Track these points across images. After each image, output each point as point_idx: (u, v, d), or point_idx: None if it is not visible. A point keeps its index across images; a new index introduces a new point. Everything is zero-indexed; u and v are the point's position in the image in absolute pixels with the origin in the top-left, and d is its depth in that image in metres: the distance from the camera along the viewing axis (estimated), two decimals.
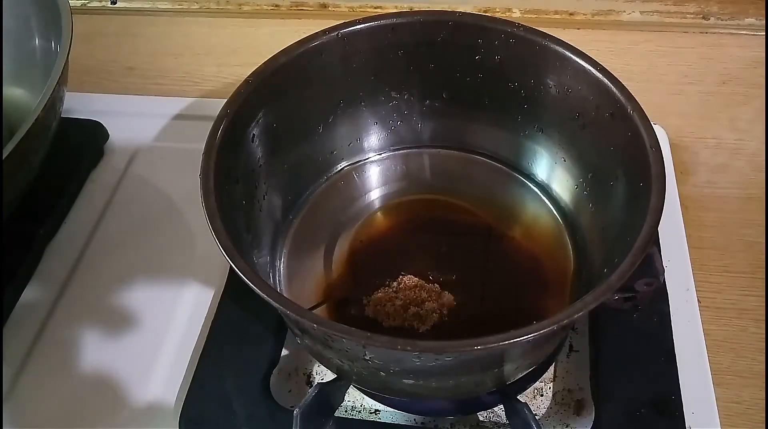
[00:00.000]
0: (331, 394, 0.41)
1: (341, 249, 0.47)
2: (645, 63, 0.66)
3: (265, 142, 0.44)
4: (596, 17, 0.70)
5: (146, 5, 0.76)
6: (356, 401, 0.45)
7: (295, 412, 0.38)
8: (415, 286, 0.44)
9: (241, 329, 0.46)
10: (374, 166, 0.51)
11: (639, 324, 0.45)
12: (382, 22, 0.45)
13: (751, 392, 0.45)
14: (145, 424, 0.44)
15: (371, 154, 0.51)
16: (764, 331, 0.47)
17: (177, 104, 0.63)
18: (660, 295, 0.46)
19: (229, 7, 0.75)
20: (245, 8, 0.75)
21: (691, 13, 0.69)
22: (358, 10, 0.73)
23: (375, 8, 0.72)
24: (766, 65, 0.63)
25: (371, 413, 0.44)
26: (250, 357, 0.45)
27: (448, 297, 0.44)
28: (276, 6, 0.75)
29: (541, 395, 0.44)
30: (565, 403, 0.44)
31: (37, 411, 0.45)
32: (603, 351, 0.44)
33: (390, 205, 0.50)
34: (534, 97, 0.45)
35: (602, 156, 0.42)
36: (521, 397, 0.42)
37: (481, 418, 0.43)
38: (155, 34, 0.74)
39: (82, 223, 0.55)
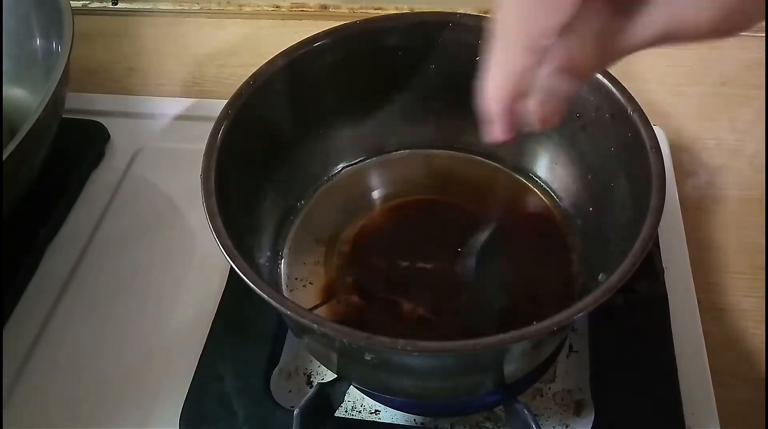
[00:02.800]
0: (331, 394, 0.41)
1: (342, 249, 0.47)
2: (645, 64, 0.66)
3: (266, 143, 0.44)
4: None
5: (147, 6, 0.76)
6: (356, 401, 0.45)
7: (295, 412, 0.38)
8: None
9: (241, 329, 0.46)
10: (374, 167, 0.51)
11: (639, 325, 0.45)
12: (383, 23, 0.45)
13: (751, 393, 0.45)
14: (145, 424, 0.44)
15: (371, 155, 0.51)
16: (764, 332, 0.47)
17: (178, 105, 0.63)
18: (660, 296, 0.46)
19: (229, 8, 0.75)
20: (246, 9, 0.75)
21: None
22: (358, 11, 0.73)
23: (375, 9, 0.72)
24: (766, 67, 0.63)
25: (371, 413, 0.44)
26: (250, 357, 0.45)
27: None
28: (276, 7, 0.75)
29: (541, 396, 0.44)
30: (565, 403, 0.44)
31: (37, 411, 0.45)
32: (603, 352, 0.44)
33: (390, 205, 0.50)
34: None
35: (602, 157, 0.42)
36: (521, 398, 0.42)
37: (480, 419, 0.43)
38: (156, 35, 0.74)
39: (83, 223, 0.55)
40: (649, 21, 0.24)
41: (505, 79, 0.26)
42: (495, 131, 0.29)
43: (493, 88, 0.27)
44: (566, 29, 0.24)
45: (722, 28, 0.23)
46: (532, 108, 0.27)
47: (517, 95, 0.26)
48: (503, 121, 0.28)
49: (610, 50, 0.25)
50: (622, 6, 0.24)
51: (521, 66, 0.25)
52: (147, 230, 0.54)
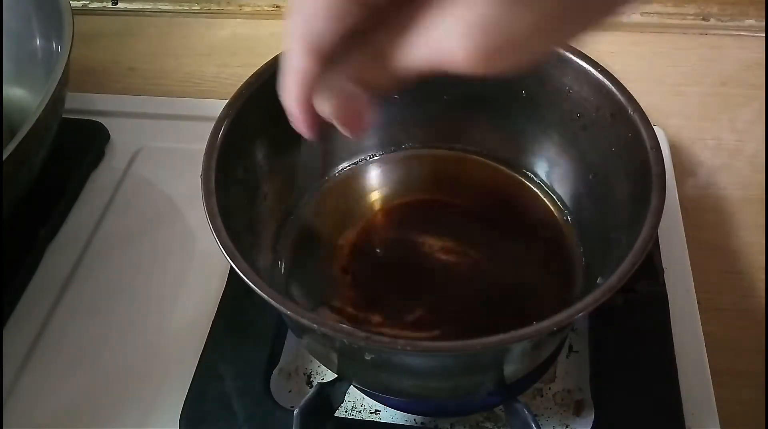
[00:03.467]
0: (331, 394, 0.41)
1: (342, 249, 0.47)
2: (645, 64, 0.66)
3: (266, 143, 0.44)
4: None
5: (147, 6, 0.76)
6: (356, 401, 0.45)
7: (295, 412, 0.38)
8: None
9: (241, 329, 0.46)
10: (375, 167, 0.51)
11: (638, 325, 0.45)
12: None
13: (751, 393, 0.45)
14: (145, 424, 0.44)
15: (372, 155, 0.51)
16: (764, 332, 0.47)
17: (177, 105, 0.63)
18: (660, 296, 0.46)
19: (229, 7, 0.75)
20: (246, 9, 0.75)
21: (691, 15, 0.69)
22: None
23: None
24: (766, 67, 0.63)
25: (371, 413, 0.44)
26: (250, 357, 0.45)
27: None
28: (276, 7, 0.75)
29: (541, 396, 0.44)
30: (565, 403, 0.44)
31: (37, 411, 0.45)
32: (603, 352, 0.44)
33: (390, 205, 0.50)
34: (535, 97, 0.45)
35: (603, 157, 0.42)
36: (521, 398, 0.42)
37: (480, 419, 0.43)
38: (156, 35, 0.74)
39: (83, 223, 0.55)
40: (416, 50, 0.24)
41: (295, 79, 0.28)
42: (298, 127, 0.31)
43: (287, 86, 0.28)
44: (352, 42, 0.26)
45: (484, 65, 0.22)
46: (327, 109, 0.28)
47: (309, 95, 0.28)
48: (303, 118, 0.30)
49: (391, 69, 0.26)
50: (393, 31, 0.25)
51: (306, 67, 0.27)
52: (147, 230, 0.54)
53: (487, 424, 0.43)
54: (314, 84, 0.27)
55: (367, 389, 0.44)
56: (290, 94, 0.28)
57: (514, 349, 0.36)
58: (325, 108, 0.28)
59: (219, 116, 0.40)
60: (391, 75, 0.26)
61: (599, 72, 0.41)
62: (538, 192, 0.49)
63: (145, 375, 0.46)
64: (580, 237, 0.46)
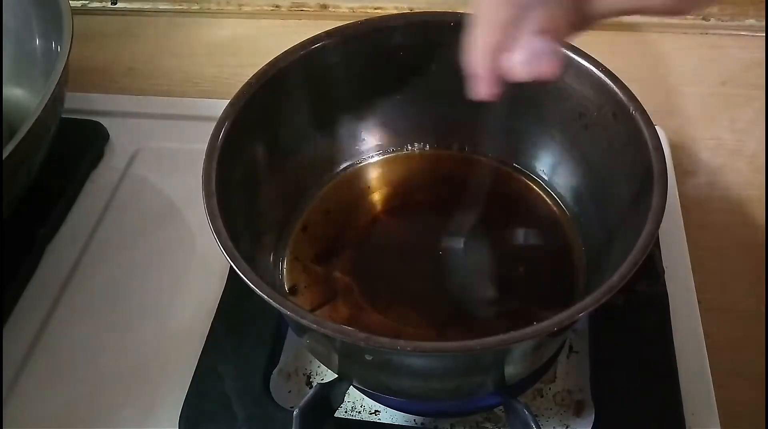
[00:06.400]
0: (331, 394, 0.41)
1: (343, 250, 0.47)
2: (645, 64, 0.66)
3: (267, 144, 0.44)
4: None
5: (146, 6, 0.76)
6: (356, 402, 0.45)
7: (294, 412, 0.38)
8: None
9: (241, 329, 0.46)
10: (376, 167, 0.51)
11: (639, 325, 0.45)
12: (384, 23, 0.45)
13: (751, 393, 0.45)
14: (145, 424, 0.44)
15: (373, 155, 0.51)
16: (764, 333, 0.47)
17: (177, 105, 0.63)
18: (660, 296, 0.46)
19: (229, 7, 0.75)
20: (245, 9, 0.75)
21: (691, 15, 0.69)
22: (358, 11, 0.73)
23: (375, 9, 0.72)
24: (766, 66, 0.63)
25: (371, 414, 0.44)
26: (250, 357, 0.45)
27: None
28: (276, 7, 0.75)
29: (541, 396, 0.44)
30: (565, 404, 0.44)
31: (37, 411, 0.45)
32: (603, 352, 0.44)
33: (392, 205, 0.50)
34: (536, 97, 0.45)
35: (605, 156, 0.42)
36: (521, 398, 0.42)
37: (480, 419, 0.43)
38: (155, 35, 0.74)
39: (82, 223, 0.55)
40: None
41: (489, 32, 0.29)
42: (480, 87, 0.32)
43: (478, 40, 0.30)
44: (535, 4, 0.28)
45: (679, 7, 0.27)
46: (519, 66, 0.30)
47: (500, 50, 0.29)
48: (488, 76, 0.31)
49: (587, 15, 0.28)
50: None
51: (503, 18, 0.28)
52: (146, 230, 0.54)
53: (487, 425, 0.43)
54: (507, 38, 0.29)
55: (368, 389, 0.44)
56: (478, 63, 0.30)
57: (515, 349, 0.36)
58: (517, 66, 0.30)
59: (220, 117, 0.40)
60: (584, 20, 0.28)
61: (601, 71, 0.41)
62: (540, 192, 0.49)
63: (144, 375, 0.46)
64: (582, 237, 0.46)
